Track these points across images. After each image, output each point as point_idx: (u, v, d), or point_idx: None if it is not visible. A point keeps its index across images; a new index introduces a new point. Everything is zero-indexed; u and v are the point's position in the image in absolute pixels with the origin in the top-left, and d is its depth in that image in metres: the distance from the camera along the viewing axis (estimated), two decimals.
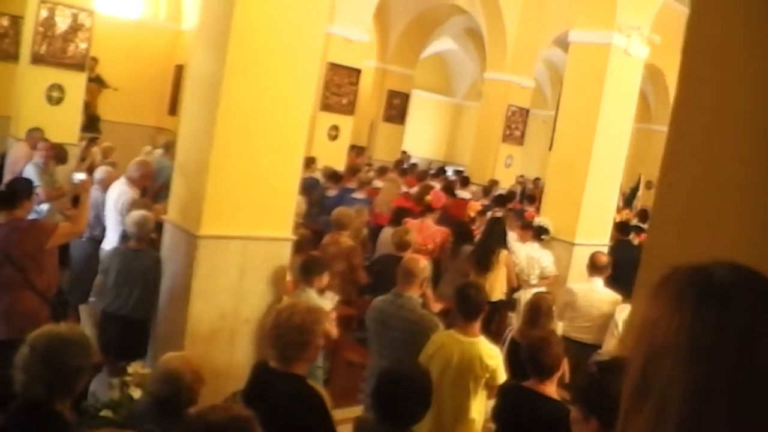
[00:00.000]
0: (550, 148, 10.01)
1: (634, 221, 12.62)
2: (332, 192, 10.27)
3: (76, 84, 10.34)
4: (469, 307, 4.43)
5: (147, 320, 5.62)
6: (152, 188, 7.94)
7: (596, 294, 6.41)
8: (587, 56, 8.98)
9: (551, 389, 3.89)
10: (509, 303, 7.78)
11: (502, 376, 4.39)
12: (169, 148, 10.23)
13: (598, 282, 6.48)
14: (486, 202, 11.95)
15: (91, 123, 13.76)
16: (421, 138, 24.44)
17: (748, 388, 0.94)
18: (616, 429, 1.08)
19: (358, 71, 12.51)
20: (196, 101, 5.47)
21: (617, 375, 1.66)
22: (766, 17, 2.13)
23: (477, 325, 4.47)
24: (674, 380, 0.97)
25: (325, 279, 5.54)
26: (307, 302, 4.21)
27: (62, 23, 9.99)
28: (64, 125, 10.00)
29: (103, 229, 6.82)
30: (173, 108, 15.80)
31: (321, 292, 5.57)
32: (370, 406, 3.75)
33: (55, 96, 10.02)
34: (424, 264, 4.93)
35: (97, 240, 6.80)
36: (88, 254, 6.90)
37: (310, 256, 5.82)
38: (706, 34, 2.35)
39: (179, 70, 15.64)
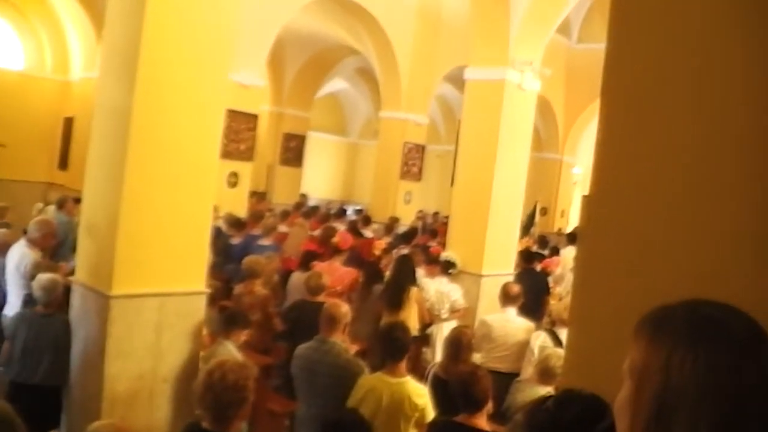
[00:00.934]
0: (451, 183, 10.18)
1: (534, 248, 12.97)
2: (237, 240, 10.14)
3: None
4: (396, 348, 4.47)
5: (59, 388, 5.39)
6: (49, 247, 7.66)
7: (511, 323, 6.56)
8: (483, 93, 9.25)
9: (483, 422, 3.96)
10: (423, 338, 7.86)
11: (431, 414, 4.43)
12: (63, 204, 9.95)
13: (512, 311, 6.65)
14: (389, 239, 12.05)
15: None
16: (319, 179, 24.50)
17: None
18: None
19: (255, 116, 12.48)
20: (101, 156, 5.34)
21: (571, 408, 1.74)
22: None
23: (403, 365, 4.52)
24: (703, 402, 1.05)
25: (245, 334, 5.48)
26: (233, 358, 4.15)
27: None
28: None
29: (2, 295, 6.53)
30: (64, 162, 15.33)
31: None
32: None
33: None
34: (346, 309, 4.96)
35: None
36: None
37: (230, 308, 5.75)
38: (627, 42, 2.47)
39: (69, 122, 15.23)
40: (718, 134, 2.19)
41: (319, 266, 7.81)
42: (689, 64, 2.26)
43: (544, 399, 2.02)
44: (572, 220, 19.51)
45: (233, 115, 11.79)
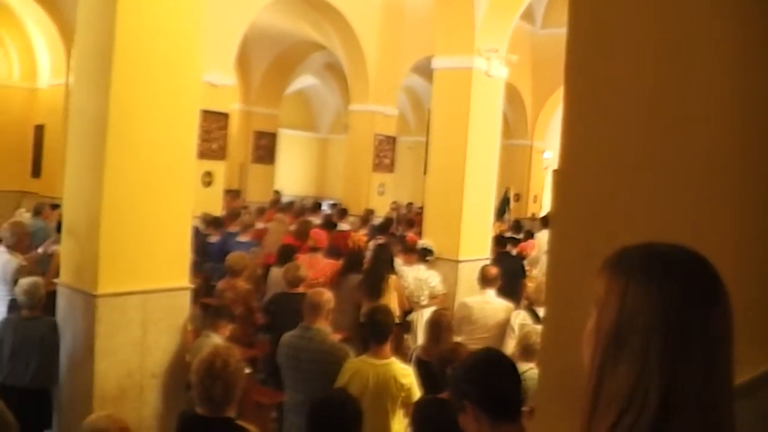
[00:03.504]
0: (424, 172, 10.31)
1: (508, 233, 13.16)
2: (214, 238, 10.19)
3: None
4: (380, 331, 4.60)
5: (48, 389, 5.46)
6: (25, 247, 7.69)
7: (490, 305, 6.71)
8: (451, 81, 9.40)
9: None
10: (403, 325, 7.97)
11: (417, 393, 4.55)
12: (40, 210, 9.97)
13: (491, 293, 6.79)
14: (365, 231, 12.15)
15: None
16: (292, 176, 24.53)
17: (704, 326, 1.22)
18: (590, 381, 1.29)
19: (226, 115, 12.54)
20: (80, 160, 5.40)
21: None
22: None
23: (388, 347, 4.64)
24: (652, 329, 1.21)
25: (229, 328, 5.59)
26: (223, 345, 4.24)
27: None
28: None
29: None
30: (37, 170, 15.26)
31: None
32: None
33: None
34: (329, 296, 5.07)
35: None
36: None
37: (215, 303, 5.84)
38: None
39: (39, 130, 15.14)
40: (682, 107, 2.29)
41: (300, 258, 7.90)
42: (651, 36, 2.36)
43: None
44: (545, 205, 19.73)
45: (204, 114, 11.77)
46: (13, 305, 5.82)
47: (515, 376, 2.91)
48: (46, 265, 7.74)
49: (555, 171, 2.56)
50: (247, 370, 4.56)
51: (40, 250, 7.79)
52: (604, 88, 2.44)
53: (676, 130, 2.28)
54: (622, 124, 2.40)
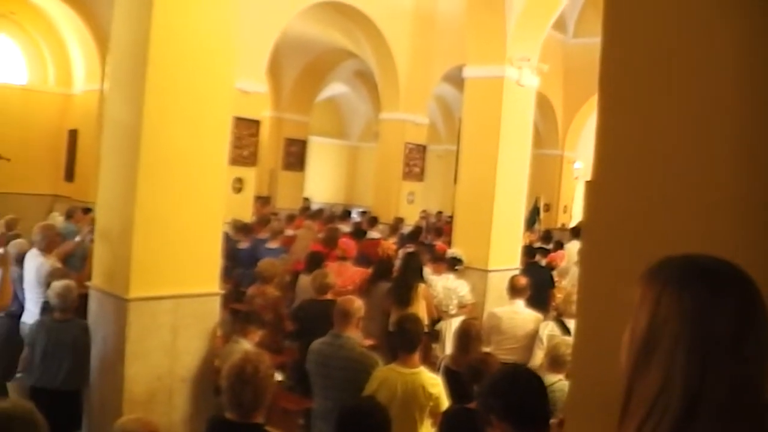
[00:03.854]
0: (454, 181, 10.29)
1: (538, 243, 13.08)
2: (244, 244, 10.24)
3: None
4: (408, 340, 4.59)
5: (79, 391, 5.52)
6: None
7: (519, 315, 6.66)
8: (482, 90, 9.37)
9: None
10: (432, 334, 7.95)
11: (445, 403, 4.54)
12: (72, 214, 10.10)
13: (520, 304, 6.75)
14: (394, 239, 12.15)
15: None
16: (321, 183, 24.61)
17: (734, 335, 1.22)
18: (623, 384, 1.32)
19: (257, 122, 12.62)
20: (113, 165, 5.47)
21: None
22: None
23: (416, 356, 4.63)
24: (680, 335, 1.23)
25: (259, 334, 5.61)
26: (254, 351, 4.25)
27: None
28: None
29: (20, 304, 6.66)
30: (70, 174, 15.47)
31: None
32: None
33: None
34: (359, 304, 5.08)
35: (15, 315, 6.62)
36: (4, 330, 6.71)
37: (245, 309, 5.86)
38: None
39: (73, 134, 15.36)
40: (715, 117, 2.26)
41: (329, 266, 7.92)
42: (684, 46, 2.34)
43: None
44: (575, 215, 19.59)
45: (236, 121, 11.89)
46: (45, 307, 5.88)
47: (541, 391, 2.91)
48: (78, 258, 7.87)
49: (588, 182, 2.55)
50: (278, 377, 4.58)
51: (78, 238, 7.92)
52: (638, 98, 2.43)
53: (709, 140, 2.26)
54: (655, 135, 2.38)
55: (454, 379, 4.92)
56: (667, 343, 1.24)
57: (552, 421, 2.88)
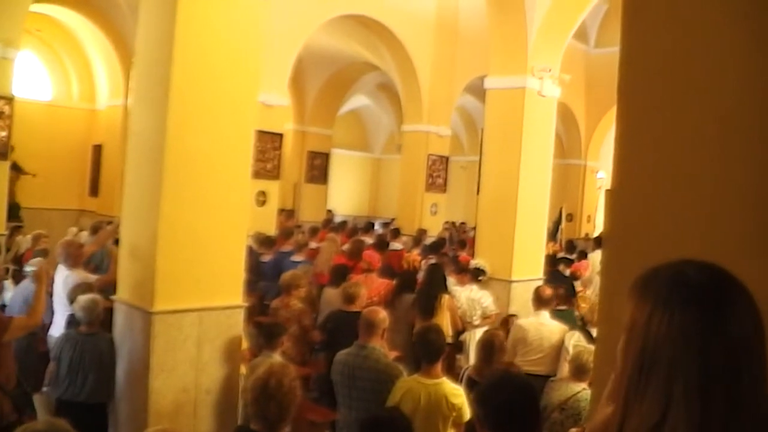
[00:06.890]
0: (477, 192, 10.27)
1: (561, 253, 13.03)
2: (267, 257, 10.29)
3: None
4: (431, 350, 4.59)
5: (105, 404, 5.57)
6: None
7: (545, 326, 6.63)
8: (504, 101, 9.38)
9: None
10: (456, 345, 7.94)
11: (468, 413, 4.52)
12: (97, 229, 10.17)
13: (545, 314, 6.71)
14: (417, 251, 12.14)
15: (12, 211, 13.49)
16: (345, 195, 24.68)
17: (729, 354, 1.20)
18: (616, 407, 1.30)
19: (280, 136, 12.70)
20: (138, 180, 5.53)
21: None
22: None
23: (439, 366, 4.63)
24: (675, 362, 1.20)
25: (284, 343, 5.64)
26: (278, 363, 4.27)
27: None
28: None
29: (50, 315, 6.72)
30: (95, 189, 15.64)
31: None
32: None
33: None
34: (384, 315, 5.09)
35: (43, 327, 6.68)
36: (30, 342, 6.77)
37: (269, 322, 5.89)
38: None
39: (97, 150, 15.54)
40: (733, 127, 2.25)
41: (355, 278, 7.95)
42: (700, 57, 2.34)
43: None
44: (599, 225, 19.48)
45: (259, 135, 11.98)
46: (71, 321, 5.94)
47: (528, 395, 2.90)
48: (100, 260, 7.95)
49: (608, 191, 2.56)
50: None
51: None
52: (656, 107, 2.43)
53: (727, 149, 2.26)
54: (674, 143, 2.38)
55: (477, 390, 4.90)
56: (662, 371, 1.21)
57: (572, 430, 2.86)
